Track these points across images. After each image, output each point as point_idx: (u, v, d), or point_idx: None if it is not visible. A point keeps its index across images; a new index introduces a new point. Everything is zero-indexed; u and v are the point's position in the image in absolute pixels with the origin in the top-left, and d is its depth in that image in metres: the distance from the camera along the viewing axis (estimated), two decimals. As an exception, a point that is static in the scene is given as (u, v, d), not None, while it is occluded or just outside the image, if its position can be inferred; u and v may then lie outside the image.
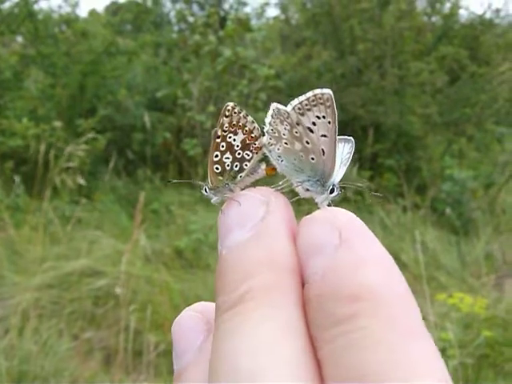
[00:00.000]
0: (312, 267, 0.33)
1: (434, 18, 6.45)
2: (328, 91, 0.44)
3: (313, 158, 0.46)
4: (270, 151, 0.47)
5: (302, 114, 0.44)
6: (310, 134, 0.45)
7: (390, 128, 5.72)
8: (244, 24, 5.85)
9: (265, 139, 0.47)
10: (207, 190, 0.48)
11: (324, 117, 0.44)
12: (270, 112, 0.46)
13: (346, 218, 0.35)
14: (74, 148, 4.58)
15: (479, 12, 6.34)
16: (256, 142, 0.47)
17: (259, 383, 0.29)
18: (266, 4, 7.97)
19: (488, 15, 6.27)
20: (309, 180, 0.46)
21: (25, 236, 4.04)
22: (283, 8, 7.20)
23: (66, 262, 3.75)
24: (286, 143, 0.46)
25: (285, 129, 0.45)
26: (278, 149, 0.46)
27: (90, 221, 4.53)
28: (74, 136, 5.28)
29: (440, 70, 5.77)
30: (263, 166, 0.48)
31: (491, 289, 3.66)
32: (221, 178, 0.47)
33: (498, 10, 6.23)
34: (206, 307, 0.42)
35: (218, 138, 0.47)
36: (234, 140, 0.47)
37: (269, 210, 0.37)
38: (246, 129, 0.47)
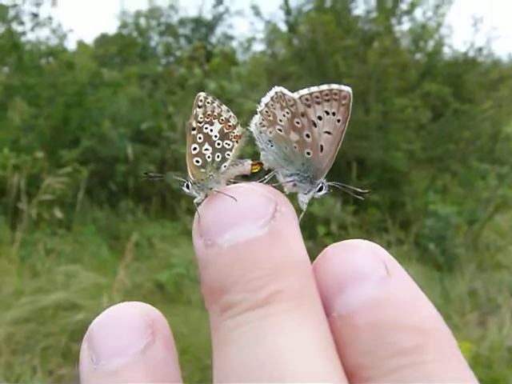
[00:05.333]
0: (356, 295, 0.33)
1: (417, 55, 6.53)
2: (348, 89, 0.41)
3: (308, 153, 0.43)
4: (260, 132, 0.44)
5: (309, 106, 0.41)
6: (313, 128, 0.42)
7: (375, 163, 5.74)
8: (229, 58, 5.90)
9: (256, 119, 0.44)
10: (190, 185, 0.45)
11: (334, 113, 0.41)
12: (272, 94, 0.43)
13: (382, 249, 0.35)
14: (54, 180, 4.53)
15: (462, 50, 6.40)
16: (234, 131, 0.45)
17: None
18: (253, 39, 8.08)
19: (471, 53, 6.37)
20: (298, 174, 0.44)
21: (1, 269, 3.96)
22: (269, 43, 7.28)
23: (43, 295, 3.67)
24: (279, 129, 0.43)
25: (284, 115, 0.43)
26: (270, 132, 0.44)
27: (69, 253, 4.45)
28: (56, 167, 5.25)
29: (424, 106, 5.82)
30: (249, 161, 0.46)
31: (475, 326, 3.63)
32: (203, 170, 0.45)
33: (480, 49, 6.33)
34: (146, 308, 0.37)
35: (194, 129, 0.45)
36: (211, 130, 0.45)
37: (281, 210, 0.35)
38: (222, 118, 0.45)
